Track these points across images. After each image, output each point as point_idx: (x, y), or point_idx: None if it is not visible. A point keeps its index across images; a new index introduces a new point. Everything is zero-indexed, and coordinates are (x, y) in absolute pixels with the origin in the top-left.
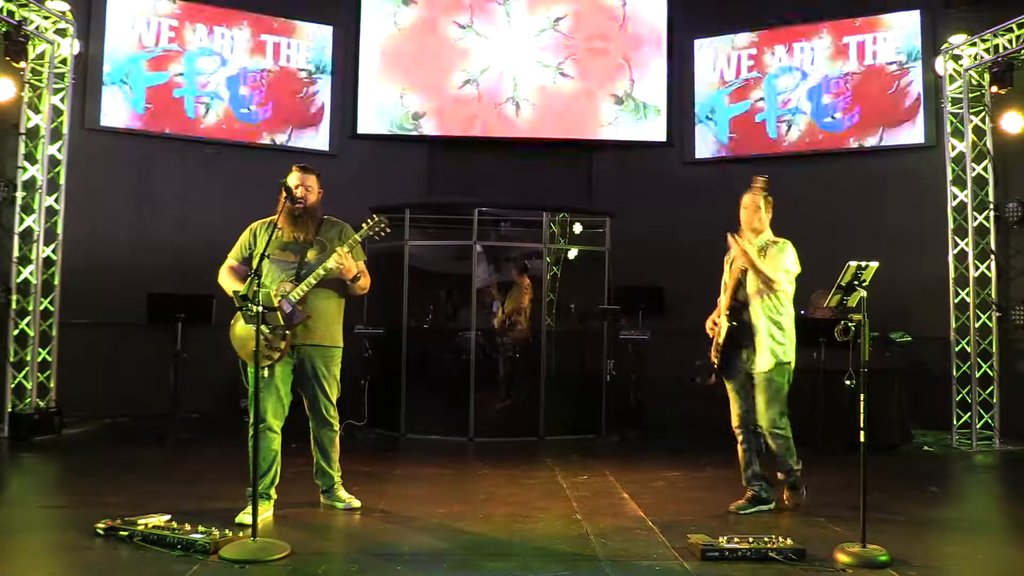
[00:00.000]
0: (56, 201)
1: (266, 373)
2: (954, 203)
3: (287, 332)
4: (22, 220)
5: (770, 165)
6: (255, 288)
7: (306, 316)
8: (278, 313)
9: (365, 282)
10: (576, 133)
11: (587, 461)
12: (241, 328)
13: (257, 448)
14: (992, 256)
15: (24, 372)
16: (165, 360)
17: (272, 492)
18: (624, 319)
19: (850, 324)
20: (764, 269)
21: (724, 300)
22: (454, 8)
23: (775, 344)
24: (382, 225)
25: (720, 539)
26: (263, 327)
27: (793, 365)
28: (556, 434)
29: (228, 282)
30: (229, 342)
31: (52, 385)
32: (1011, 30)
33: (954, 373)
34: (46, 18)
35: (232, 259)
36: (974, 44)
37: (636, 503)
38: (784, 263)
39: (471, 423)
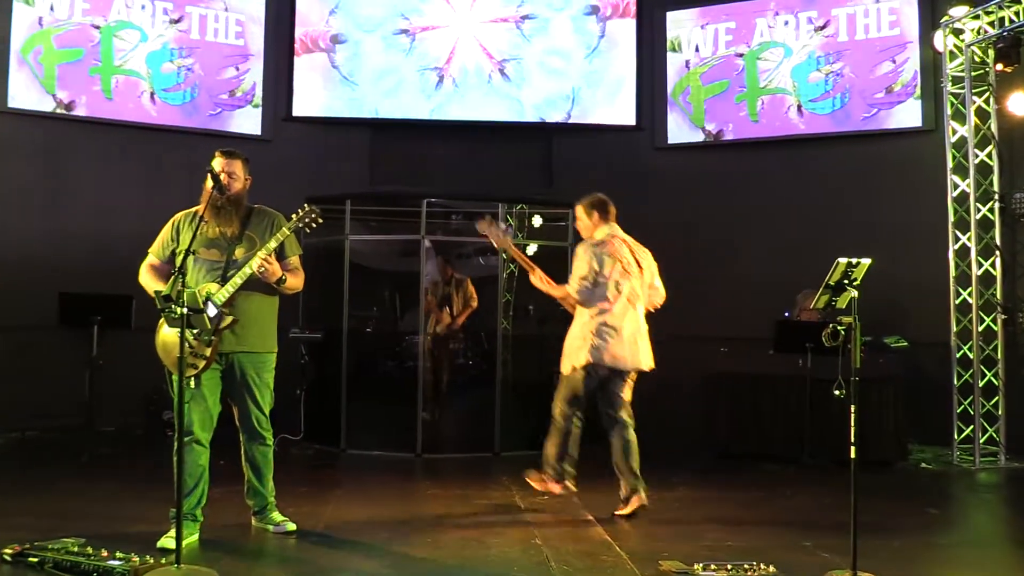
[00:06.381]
0: None
1: (192, 383)
2: (955, 193)
3: (212, 338)
4: None
5: (751, 151)
6: (179, 288)
7: (233, 320)
8: (205, 316)
9: (293, 282)
10: (533, 115)
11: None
12: (166, 333)
13: (182, 464)
14: (997, 252)
15: None
16: (79, 367)
17: (199, 513)
18: None
19: (840, 327)
20: (555, 295)
21: None
22: None
23: (567, 348)
24: (313, 215)
25: (695, 566)
26: (187, 332)
27: (581, 365)
28: (513, 449)
29: (149, 282)
30: (151, 347)
31: None
32: (1018, 1)
33: (955, 382)
34: None
35: (153, 256)
36: (977, 17)
37: (602, 526)
38: (571, 277)
39: (419, 438)
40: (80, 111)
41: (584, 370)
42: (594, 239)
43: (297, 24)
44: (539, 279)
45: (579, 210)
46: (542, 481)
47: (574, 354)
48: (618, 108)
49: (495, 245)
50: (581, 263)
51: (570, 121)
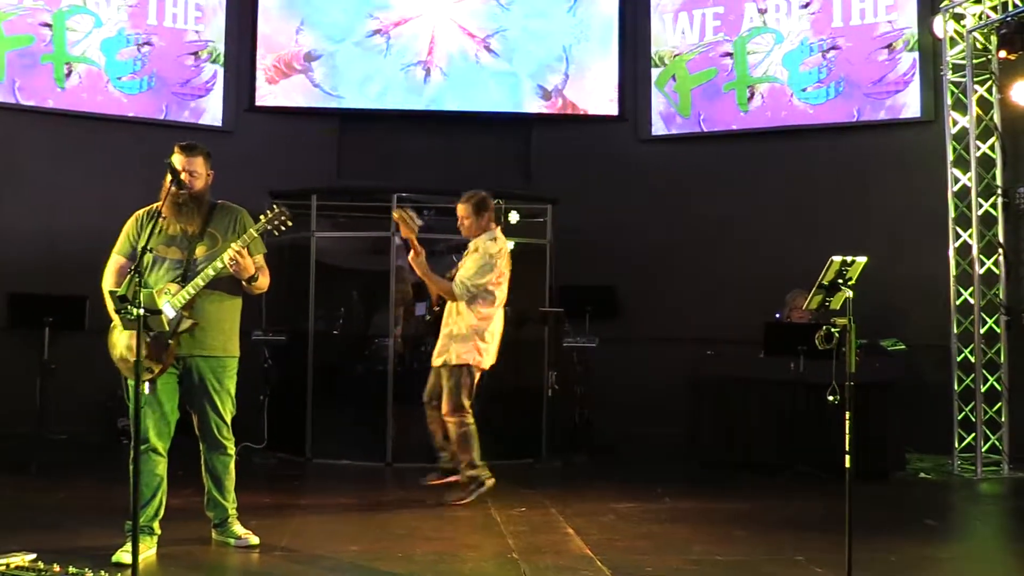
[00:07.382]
0: None
1: (146, 388)
2: (956, 188)
3: (170, 341)
4: None
5: (739, 143)
6: (135, 287)
7: (192, 324)
8: (163, 317)
9: (263, 281)
10: (531, 85)
11: (525, 490)
12: (119, 335)
13: (138, 473)
14: (1000, 250)
15: None
16: (30, 372)
17: (156, 526)
18: (568, 323)
19: (834, 330)
20: (433, 284)
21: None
22: None
23: (451, 344)
24: (283, 218)
25: None
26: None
27: (475, 370)
28: (488, 458)
29: (108, 281)
30: (107, 351)
31: None
32: None
33: (956, 387)
34: None
35: (119, 256)
36: (979, 1)
37: (582, 539)
38: (466, 273)
39: (388, 445)
40: (29, 101)
41: (475, 369)
42: (490, 249)
43: (267, 49)
44: (419, 265)
45: (465, 208)
46: (469, 494)
47: (462, 348)
48: (600, 96)
49: (402, 234)
50: (481, 268)
51: (548, 111)
